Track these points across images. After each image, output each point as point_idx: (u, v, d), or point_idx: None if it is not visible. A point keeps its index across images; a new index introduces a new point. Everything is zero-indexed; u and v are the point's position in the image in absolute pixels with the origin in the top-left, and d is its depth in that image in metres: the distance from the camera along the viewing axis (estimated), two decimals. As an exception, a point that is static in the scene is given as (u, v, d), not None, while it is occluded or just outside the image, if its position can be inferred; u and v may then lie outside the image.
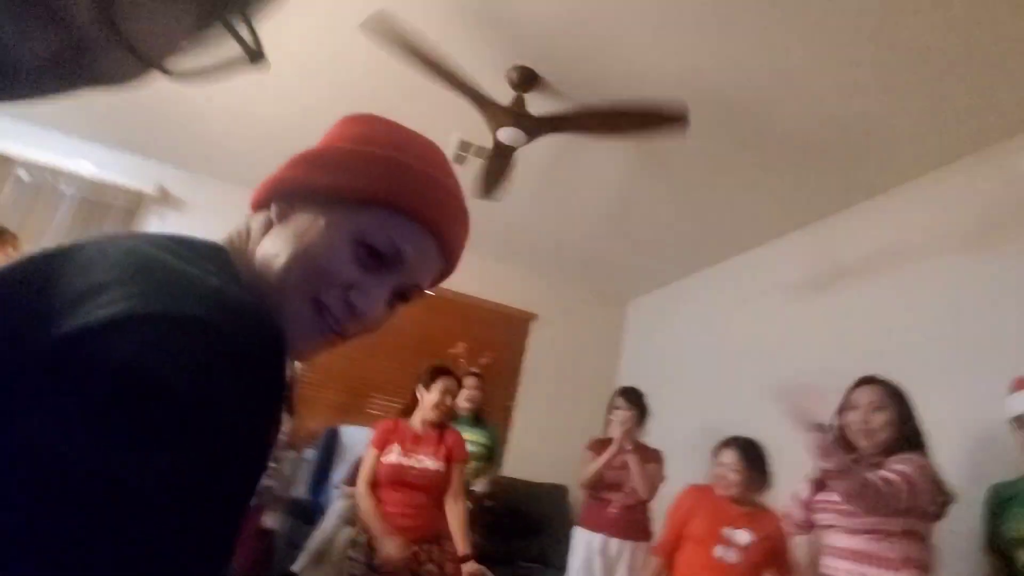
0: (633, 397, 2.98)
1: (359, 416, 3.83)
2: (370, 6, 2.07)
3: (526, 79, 2.35)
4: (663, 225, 3.48)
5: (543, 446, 4.19)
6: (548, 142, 2.54)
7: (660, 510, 2.64)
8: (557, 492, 3.97)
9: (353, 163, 0.50)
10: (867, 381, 1.83)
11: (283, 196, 0.51)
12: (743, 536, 2.18)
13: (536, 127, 2.33)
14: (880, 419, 1.74)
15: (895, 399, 1.76)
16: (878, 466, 1.70)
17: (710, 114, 2.39)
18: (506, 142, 2.36)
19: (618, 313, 4.86)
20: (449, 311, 4.18)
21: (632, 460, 2.79)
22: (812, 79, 2.12)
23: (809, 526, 1.90)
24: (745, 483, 2.27)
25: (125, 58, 0.21)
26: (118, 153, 3.71)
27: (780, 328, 3.14)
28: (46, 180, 3.46)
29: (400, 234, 0.49)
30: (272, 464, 2.16)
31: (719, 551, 2.17)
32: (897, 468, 1.63)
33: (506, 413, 4.34)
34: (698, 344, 3.83)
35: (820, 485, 1.84)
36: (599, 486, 2.84)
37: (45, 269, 0.31)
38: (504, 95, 2.34)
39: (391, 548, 2.18)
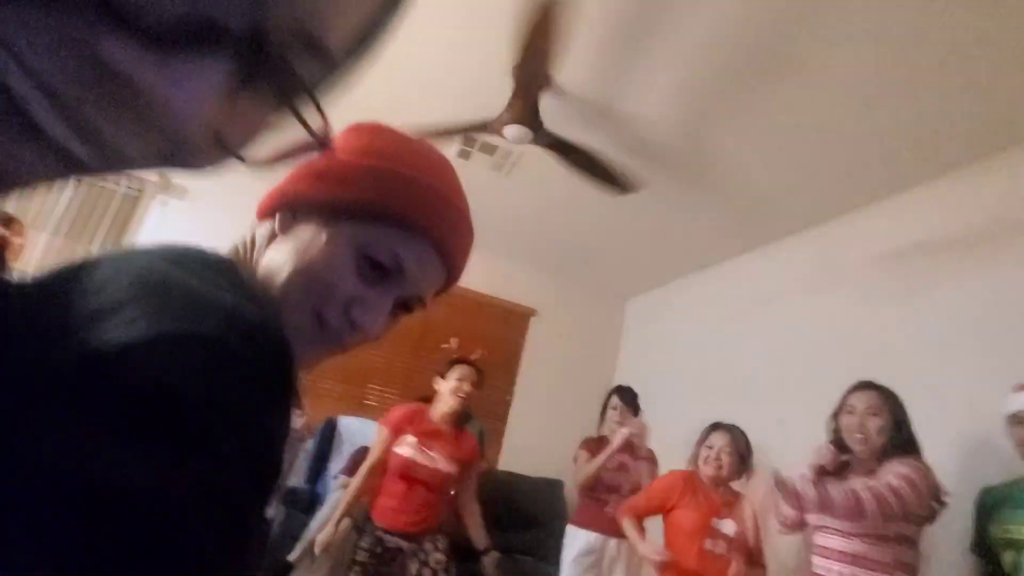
0: (630, 398, 3.01)
1: (357, 407, 3.86)
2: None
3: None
4: (664, 224, 3.49)
5: (539, 441, 4.21)
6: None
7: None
8: (552, 487, 4.00)
9: (356, 176, 0.50)
10: (864, 386, 1.86)
11: (286, 207, 0.51)
12: (729, 526, 2.22)
13: (541, 130, 2.35)
14: (876, 424, 1.78)
15: (891, 405, 1.80)
16: (871, 473, 1.73)
17: (714, 111, 2.41)
18: (514, 140, 2.37)
19: (617, 311, 4.89)
20: (450, 304, 4.20)
21: (644, 468, 2.82)
22: (816, 77, 2.14)
23: (801, 525, 1.93)
24: (735, 466, 2.31)
25: (212, 150, 0.23)
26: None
27: (778, 329, 3.17)
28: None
29: (403, 248, 0.49)
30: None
31: (708, 544, 2.21)
32: (901, 472, 1.65)
33: (504, 407, 4.38)
34: (696, 343, 3.85)
35: (814, 486, 1.86)
36: (597, 487, 2.85)
37: (61, 287, 0.31)
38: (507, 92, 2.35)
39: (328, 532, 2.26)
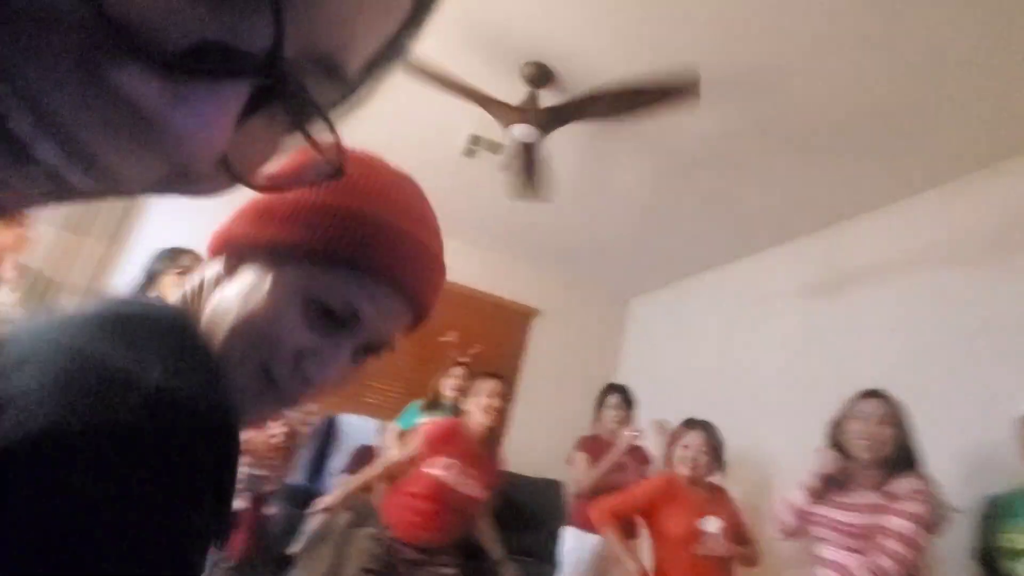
0: (627, 397, 3.00)
1: (355, 404, 3.85)
2: None
3: (541, 76, 2.34)
4: (668, 224, 3.48)
5: (540, 441, 4.21)
6: (556, 139, 2.54)
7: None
8: (552, 487, 3.99)
9: (301, 215, 0.44)
10: (873, 394, 1.85)
11: (231, 250, 0.46)
12: (713, 523, 2.20)
13: (548, 120, 2.31)
14: (886, 433, 1.76)
15: (900, 416, 1.79)
16: (875, 487, 1.73)
17: (721, 112, 2.39)
18: (520, 139, 2.35)
19: (620, 311, 4.88)
20: (453, 303, 4.19)
21: (645, 468, 2.82)
22: (822, 79, 2.13)
23: (801, 534, 1.92)
24: (712, 463, 2.31)
25: (218, 177, 0.22)
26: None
27: (781, 331, 3.16)
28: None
29: (356, 292, 0.44)
30: (272, 460, 2.16)
31: (699, 549, 2.18)
32: (911, 510, 1.63)
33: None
34: (698, 344, 3.85)
35: (816, 494, 1.85)
36: (598, 490, 2.84)
37: None
38: (518, 92, 2.34)
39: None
